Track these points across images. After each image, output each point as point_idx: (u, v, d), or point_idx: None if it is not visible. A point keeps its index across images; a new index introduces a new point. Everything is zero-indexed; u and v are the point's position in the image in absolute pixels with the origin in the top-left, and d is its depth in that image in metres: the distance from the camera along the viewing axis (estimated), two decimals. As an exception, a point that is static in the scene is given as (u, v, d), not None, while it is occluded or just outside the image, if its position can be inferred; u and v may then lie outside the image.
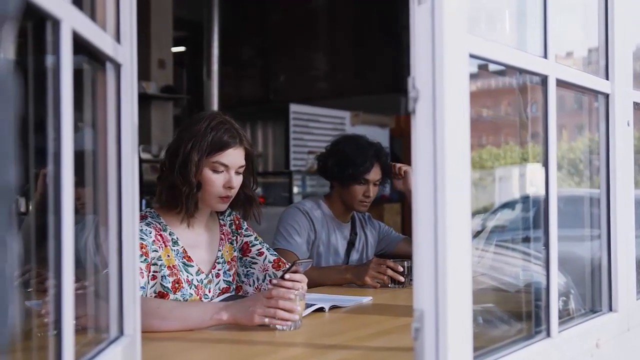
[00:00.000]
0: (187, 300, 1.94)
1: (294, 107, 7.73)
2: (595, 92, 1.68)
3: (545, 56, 1.40)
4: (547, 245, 1.38)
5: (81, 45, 1.01)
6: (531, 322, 1.44)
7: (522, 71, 1.42)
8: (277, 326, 1.72)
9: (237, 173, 2.01)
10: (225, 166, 1.98)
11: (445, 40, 1.05)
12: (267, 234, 2.89)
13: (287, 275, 1.88)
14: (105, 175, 1.17)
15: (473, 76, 1.36)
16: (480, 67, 1.35)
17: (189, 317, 1.74)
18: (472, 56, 1.14)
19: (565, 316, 1.58)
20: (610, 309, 1.65)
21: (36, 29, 0.89)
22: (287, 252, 2.66)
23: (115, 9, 1.18)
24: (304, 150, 7.55)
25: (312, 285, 2.46)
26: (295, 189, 6.95)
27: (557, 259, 1.40)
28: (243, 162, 2.02)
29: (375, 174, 2.80)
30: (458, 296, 1.06)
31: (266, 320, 1.70)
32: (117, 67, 1.17)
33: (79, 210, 1.07)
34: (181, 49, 9.02)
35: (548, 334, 1.36)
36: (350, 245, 2.93)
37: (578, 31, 1.92)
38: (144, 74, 6.64)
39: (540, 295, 1.42)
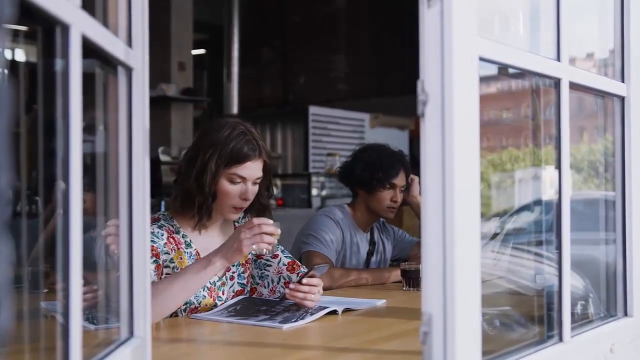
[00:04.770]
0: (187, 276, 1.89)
1: (313, 109, 7.75)
2: (610, 95, 1.66)
3: (559, 59, 1.38)
4: (559, 248, 1.37)
5: (92, 50, 1.02)
6: (544, 327, 1.43)
7: (534, 74, 1.41)
8: (264, 250, 1.84)
9: (254, 184, 2.01)
10: (243, 178, 1.98)
11: (455, 43, 1.05)
12: (287, 236, 2.88)
13: (304, 280, 1.89)
14: (116, 178, 1.18)
15: (493, 78, 1.36)
16: (501, 68, 1.34)
17: (187, 282, 1.80)
18: (482, 59, 1.13)
19: (584, 320, 1.57)
20: (626, 314, 1.63)
21: (46, 34, 0.90)
22: (321, 255, 2.66)
23: (127, 14, 1.19)
24: (323, 152, 7.56)
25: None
26: (314, 191, 6.96)
27: (573, 262, 1.38)
28: (261, 174, 2.02)
29: (402, 179, 2.83)
30: (467, 300, 1.05)
31: (254, 247, 1.82)
32: (129, 71, 1.18)
33: (89, 214, 1.09)
34: (201, 51, 9.08)
35: (560, 339, 1.35)
36: (370, 255, 2.93)
37: (596, 34, 1.91)
38: (164, 76, 6.69)
39: (554, 299, 1.41)
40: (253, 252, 1.86)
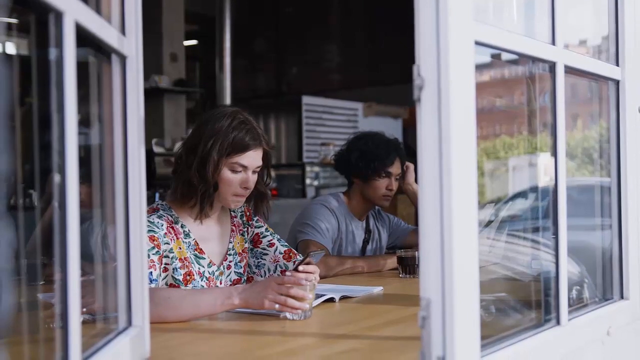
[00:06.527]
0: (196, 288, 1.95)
1: (306, 99, 7.74)
2: (605, 79, 1.66)
3: (554, 43, 1.38)
4: (556, 233, 1.37)
5: (86, 38, 1.01)
6: (542, 311, 1.43)
7: (529, 58, 1.41)
8: (287, 314, 1.72)
9: (254, 172, 2.02)
10: (244, 167, 1.98)
11: (450, 27, 1.05)
12: (281, 226, 2.89)
13: (300, 267, 1.88)
14: (112, 168, 1.17)
15: (487, 65, 1.36)
16: (494, 56, 1.34)
17: (200, 304, 1.73)
18: (477, 43, 1.13)
19: (579, 305, 1.57)
20: (622, 297, 1.64)
21: (39, 22, 0.90)
22: (317, 243, 2.67)
23: (120, 2, 1.18)
24: (316, 142, 7.55)
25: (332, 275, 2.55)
26: (308, 181, 6.96)
27: (569, 247, 1.39)
28: (261, 163, 2.03)
29: (397, 167, 2.83)
30: (465, 284, 1.05)
31: (276, 306, 1.70)
32: (123, 59, 1.18)
33: (85, 205, 1.08)
34: (193, 42, 9.04)
35: (558, 322, 1.35)
36: (365, 243, 2.93)
37: (592, 19, 1.91)
38: (156, 67, 6.66)
39: (550, 283, 1.42)
40: (275, 310, 1.72)
